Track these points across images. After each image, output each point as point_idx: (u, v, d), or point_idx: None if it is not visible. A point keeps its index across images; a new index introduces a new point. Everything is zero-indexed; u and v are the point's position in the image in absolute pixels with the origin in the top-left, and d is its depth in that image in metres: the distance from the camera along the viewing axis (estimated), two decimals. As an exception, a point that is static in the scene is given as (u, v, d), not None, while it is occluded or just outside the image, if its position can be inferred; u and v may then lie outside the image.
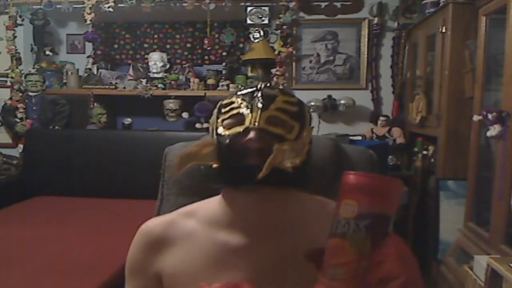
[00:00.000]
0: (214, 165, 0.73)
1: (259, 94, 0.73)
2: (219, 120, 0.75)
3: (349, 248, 0.59)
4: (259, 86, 0.75)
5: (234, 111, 0.73)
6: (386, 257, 0.57)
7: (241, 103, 0.73)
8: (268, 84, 0.76)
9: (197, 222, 0.78)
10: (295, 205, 0.77)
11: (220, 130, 0.73)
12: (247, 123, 0.70)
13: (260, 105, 0.71)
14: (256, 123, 0.69)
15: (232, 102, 0.75)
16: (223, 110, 0.75)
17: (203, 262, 0.74)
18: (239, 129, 0.70)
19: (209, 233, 0.75)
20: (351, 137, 2.75)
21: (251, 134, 0.69)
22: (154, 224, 0.80)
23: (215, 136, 0.75)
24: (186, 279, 0.74)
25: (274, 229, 0.74)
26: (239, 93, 0.76)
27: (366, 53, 3.16)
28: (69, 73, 3.30)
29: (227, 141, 0.71)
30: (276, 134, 0.70)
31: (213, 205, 0.79)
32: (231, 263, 0.73)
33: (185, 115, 3.23)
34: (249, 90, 0.75)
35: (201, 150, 0.73)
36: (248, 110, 0.71)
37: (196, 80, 3.20)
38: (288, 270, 0.72)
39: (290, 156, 0.69)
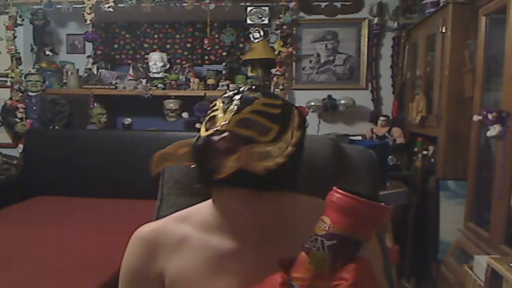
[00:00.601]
0: (192, 166, 0.74)
1: (238, 97, 0.73)
2: (204, 122, 0.76)
3: (308, 265, 0.58)
4: (241, 89, 0.76)
5: (212, 114, 0.74)
6: (340, 283, 0.56)
7: (219, 106, 0.74)
8: (253, 87, 0.76)
9: (190, 226, 0.78)
10: (287, 206, 0.77)
11: (201, 131, 0.75)
12: (217, 125, 0.71)
13: (234, 108, 0.71)
14: (225, 125, 0.70)
15: (215, 105, 0.76)
16: (208, 112, 0.77)
17: (200, 267, 0.74)
18: (211, 131, 0.71)
19: (202, 237, 0.76)
20: (351, 137, 2.75)
21: (217, 136, 0.69)
22: (148, 230, 0.80)
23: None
24: (187, 283, 0.74)
25: (265, 231, 0.74)
26: (223, 96, 0.77)
27: (366, 53, 3.16)
28: (69, 73, 3.30)
29: (198, 142, 0.72)
30: (244, 136, 0.69)
31: (204, 209, 0.79)
32: (226, 267, 0.73)
33: (185, 115, 3.23)
34: (231, 93, 0.76)
35: (177, 150, 0.74)
36: (222, 113, 0.72)
37: (196, 80, 3.20)
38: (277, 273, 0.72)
39: (262, 158, 0.69)
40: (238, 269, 0.73)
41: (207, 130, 0.73)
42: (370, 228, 0.59)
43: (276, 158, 0.70)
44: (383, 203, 0.60)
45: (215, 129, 0.70)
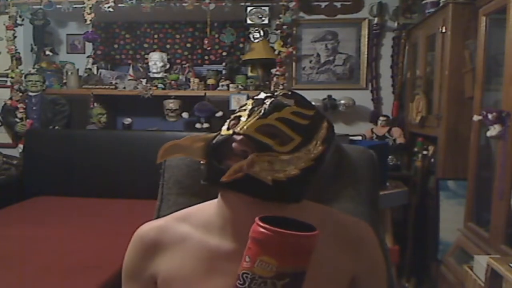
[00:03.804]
0: (202, 162, 0.74)
1: (269, 101, 0.71)
2: (228, 120, 0.75)
3: None
4: (276, 93, 0.74)
5: (238, 113, 0.73)
6: None
7: (248, 107, 0.73)
8: (289, 92, 0.74)
9: (190, 226, 0.78)
10: (292, 212, 0.76)
11: (223, 128, 0.74)
12: (238, 126, 0.70)
13: (260, 111, 0.70)
14: (245, 127, 0.69)
15: (245, 104, 0.75)
16: (236, 110, 0.76)
17: (195, 267, 0.73)
18: (231, 131, 0.71)
19: (202, 237, 0.75)
20: (351, 137, 2.75)
21: (234, 138, 0.69)
22: (148, 228, 0.80)
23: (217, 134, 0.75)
24: (179, 283, 0.74)
25: None
26: (256, 96, 0.75)
27: (366, 53, 3.16)
28: (69, 73, 3.30)
29: (215, 140, 0.72)
30: (261, 143, 0.68)
31: (208, 209, 0.79)
32: (222, 268, 0.72)
33: (185, 115, 3.23)
34: (264, 95, 0.74)
35: (192, 144, 0.73)
36: (247, 115, 0.71)
37: (196, 80, 3.20)
38: None
39: (274, 168, 0.68)
40: (235, 271, 0.72)
41: (228, 129, 0.72)
42: (310, 256, 0.59)
43: (287, 170, 0.68)
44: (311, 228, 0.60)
45: (234, 130, 0.70)
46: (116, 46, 3.52)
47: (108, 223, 2.23)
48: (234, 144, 0.68)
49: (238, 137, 0.68)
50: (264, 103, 0.72)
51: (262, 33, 3.11)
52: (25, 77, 3.18)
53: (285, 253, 0.57)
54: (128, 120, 3.29)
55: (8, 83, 3.28)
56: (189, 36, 3.44)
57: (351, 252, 0.75)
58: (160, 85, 3.19)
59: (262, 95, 0.74)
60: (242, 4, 3.06)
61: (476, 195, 2.05)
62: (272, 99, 0.72)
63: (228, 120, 0.76)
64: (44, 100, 3.18)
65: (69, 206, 2.60)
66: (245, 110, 0.73)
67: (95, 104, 3.19)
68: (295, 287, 0.58)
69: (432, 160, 2.56)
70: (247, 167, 0.66)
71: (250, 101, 0.74)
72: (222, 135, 0.72)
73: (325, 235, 0.76)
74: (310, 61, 3.23)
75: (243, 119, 0.71)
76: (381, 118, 3.03)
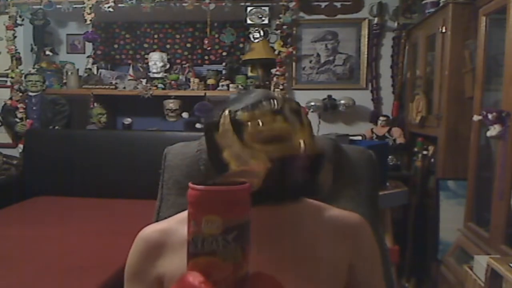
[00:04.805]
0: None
1: (274, 99, 0.73)
2: (249, 131, 0.74)
3: (223, 264, 0.59)
4: (278, 95, 0.75)
5: (266, 127, 0.73)
6: None
7: (272, 118, 0.71)
8: (280, 95, 0.77)
9: None
10: (290, 211, 0.78)
11: (253, 143, 0.74)
12: (299, 144, 0.71)
13: (300, 123, 0.74)
14: (306, 145, 0.71)
15: (257, 123, 0.72)
16: (249, 125, 0.73)
17: None
18: (287, 149, 0.72)
19: None
20: (351, 137, 2.75)
21: (305, 156, 0.72)
22: (151, 231, 0.81)
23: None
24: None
25: (269, 234, 0.75)
26: (261, 106, 0.72)
27: (366, 53, 3.16)
28: (69, 73, 3.30)
29: (276, 164, 0.72)
30: (319, 154, 0.75)
31: None
32: None
33: (185, 115, 3.23)
34: (271, 102, 0.73)
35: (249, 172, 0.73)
36: (291, 128, 0.73)
37: (196, 80, 3.20)
38: (283, 275, 0.72)
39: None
40: None
41: (267, 141, 0.69)
42: (248, 206, 0.62)
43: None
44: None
45: (297, 148, 0.70)
46: (116, 46, 3.52)
47: (108, 223, 2.23)
48: (306, 163, 0.71)
49: (307, 154, 0.71)
50: (271, 102, 0.71)
51: (262, 33, 3.11)
52: (25, 77, 3.18)
53: (225, 209, 0.59)
54: (128, 120, 3.29)
55: (8, 83, 3.28)
56: (189, 36, 3.44)
57: (348, 242, 0.78)
58: (160, 85, 3.19)
59: (268, 107, 0.72)
60: (242, 4, 3.06)
61: (476, 195, 2.05)
62: (271, 98, 0.73)
63: (245, 128, 0.71)
64: (44, 100, 3.18)
65: (69, 206, 2.60)
66: (261, 123, 0.70)
67: (95, 104, 3.19)
68: (244, 237, 0.60)
69: (432, 160, 2.56)
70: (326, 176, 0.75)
71: (261, 114, 0.71)
72: (278, 159, 0.69)
73: (322, 229, 0.78)
74: (310, 61, 3.23)
75: (286, 131, 0.70)
76: (381, 118, 3.03)
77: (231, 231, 0.59)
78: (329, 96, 3.12)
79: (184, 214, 0.82)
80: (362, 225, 0.82)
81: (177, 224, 0.79)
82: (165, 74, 3.32)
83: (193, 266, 0.60)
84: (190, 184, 0.62)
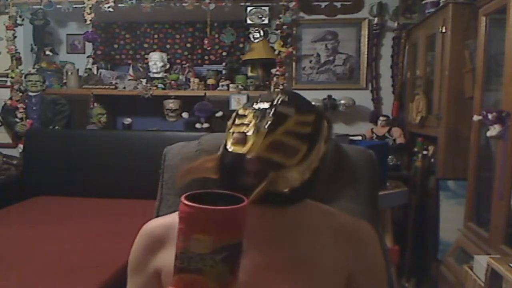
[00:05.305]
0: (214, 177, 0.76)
1: (271, 113, 0.71)
2: (231, 131, 0.76)
3: (209, 283, 0.57)
4: (275, 101, 0.73)
5: (243, 128, 0.73)
6: None
7: (251, 119, 0.73)
8: (287, 98, 0.74)
9: None
10: (295, 212, 0.77)
11: (229, 143, 0.74)
12: (247, 146, 0.70)
13: (265, 128, 0.70)
14: (256, 148, 0.69)
15: (245, 116, 0.75)
16: (236, 121, 0.76)
17: None
18: (241, 150, 0.71)
19: None
20: (351, 137, 2.75)
21: (249, 160, 0.70)
22: (155, 225, 0.83)
23: (223, 148, 0.76)
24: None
25: (270, 234, 0.75)
26: (255, 105, 0.75)
27: (366, 53, 3.15)
28: (69, 73, 3.30)
29: (228, 159, 0.73)
30: (274, 162, 0.70)
31: None
32: None
33: (185, 115, 3.23)
34: (264, 105, 0.74)
35: (204, 164, 0.76)
36: (254, 132, 0.71)
37: (196, 80, 3.20)
38: (282, 276, 0.72)
39: (289, 181, 0.70)
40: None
41: (235, 143, 0.72)
42: (243, 227, 0.60)
43: (302, 176, 0.72)
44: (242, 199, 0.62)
45: (245, 150, 0.70)
46: (116, 46, 3.52)
47: (108, 223, 2.23)
48: (249, 167, 0.70)
49: (251, 158, 0.70)
50: (265, 115, 0.72)
51: (262, 33, 3.11)
52: (25, 77, 3.18)
53: (216, 229, 0.57)
54: (128, 120, 3.29)
55: (8, 83, 3.28)
56: (189, 36, 3.44)
57: (350, 249, 0.77)
58: (160, 85, 3.19)
59: (262, 105, 0.74)
60: (242, 4, 3.06)
61: (476, 195, 2.05)
62: (273, 109, 0.72)
63: (230, 129, 0.76)
64: (44, 100, 3.18)
65: (69, 206, 2.60)
66: (247, 124, 0.73)
67: (95, 104, 3.19)
68: (234, 258, 0.59)
69: (432, 160, 2.56)
70: (268, 185, 0.68)
71: (250, 113, 0.74)
72: (230, 152, 0.73)
73: (325, 234, 0.77)
74: (310, 61, 3.23)
75: (249, 134, 0.71)
76: (381, 118, 3.03)
77: (220, 252, 0.57)
78: (329, 96, 3.11)
79: None
80: (368, 234, 0.81)
81: None
82: (165, 74, 3.32)
83: (177, 282, 0.59)
84: (183, 199, 0.60)
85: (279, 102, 0.73)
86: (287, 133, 0.71)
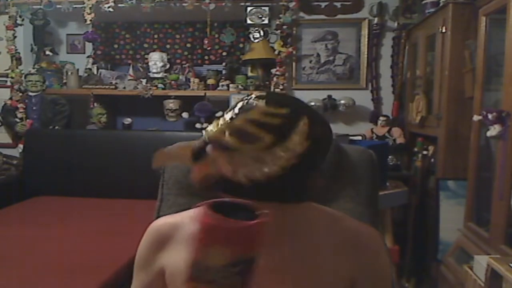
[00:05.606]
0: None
1: (239, 105, 0.72)
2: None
3: None
4: (249, 97, 0.74)
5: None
6: None
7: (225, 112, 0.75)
8: (264, 93, 0.73)
9: None
10: (300, 215, 0.77)
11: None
12: (208, 133, 0.73)
13: (228, 116, 0.72)
14: (212, 133, 0.71)
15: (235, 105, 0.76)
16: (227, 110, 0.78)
17: None
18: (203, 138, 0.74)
19: None
20: (351, 137, 2.75)
21: (203, 142, 0.73)
22: (162, 222, 0.84)
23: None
24: (183, 278, 0.74)
25: (274, 236, 0.74)
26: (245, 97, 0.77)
27: (366, 53, 3.15)
28: (69, 73, 3.30)
29: (195, 145, 0.75)
30: (226, 145, 0.69)
31: None
32: None
33: (185, 115, 3.23)
34: (241, 101, 0.75)
35: (180, 151, 0.77)
36: (222, 120, 0.73)
37: (196, 80, 3.20)
38: (282, 277, 0.72)
39: (248, 168, 0.68)
40: None
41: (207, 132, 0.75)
42: (260, 242, 0.60)
43: (265, 169, 0.68)
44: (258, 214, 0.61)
45: (206, 135, 0.73)
46: (116, 46, 3.52)
47: (108, 223, 2.23)
48: (207, 149, 0.72)
49: (205, 141, 0.72)
50: (235, 106, 0.73)
51: (262, 33, 3.11)
52: (25, 77, 3.18)
53: (237, 242, 0.58)
54: (128, 120, 3.29)
55: (8, 83, 3.28)
56: (189, 36, 3.44)
57: (353, 256, 0.76)
58: (160, 85, 3.19)
59: (241, 101, 0.75)
60: (242, 4, 3.06)
61: (476, 195, 2.05)
62: (245, 101, 0.73)
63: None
64: (44, 100, 3.17)
65: (69, 206, 2.60)
66: (223, 115, 0.75)
67: (95, 104, 3.19)
68: (248, 271, 0.59)
69: (432, 160, 2.56)
70: (210, 162, 0.70)
71: (240, 103, 0.75)
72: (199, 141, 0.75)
73: (329, 239, 0.77)
74: (310, 61, 3.23)
75: (214, 124, 0.74)
76: (381, 118, 3.03)
77: (236, 265, 0.57)
78: (329, 96, 3.11)
79: (198, 211, 0.83)
80: (374, 241, 0.79)
81: (188, 220, 0.80)
82: (165, 74, 3.32)
83: None
84: (206, 209, 0.60)
85: (253, 96, 0.73)
86: (248, 121, 0.69)
